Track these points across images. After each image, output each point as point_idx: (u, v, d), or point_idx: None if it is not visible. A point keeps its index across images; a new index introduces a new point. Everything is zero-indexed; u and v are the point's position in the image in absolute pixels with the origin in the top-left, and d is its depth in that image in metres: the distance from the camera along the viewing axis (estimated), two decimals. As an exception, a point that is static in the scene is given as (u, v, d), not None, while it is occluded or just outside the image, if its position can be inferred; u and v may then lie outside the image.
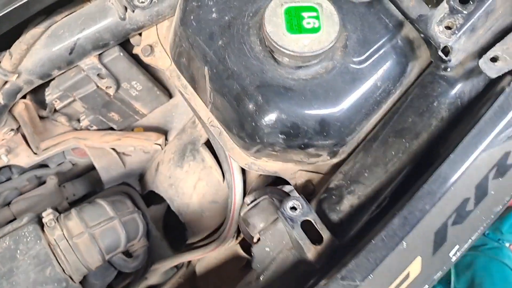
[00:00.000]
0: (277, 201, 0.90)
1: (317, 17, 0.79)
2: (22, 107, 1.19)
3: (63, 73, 1.13)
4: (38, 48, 1.05)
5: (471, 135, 0.70)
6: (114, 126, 1.32)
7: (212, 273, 1.26)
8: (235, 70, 0.82)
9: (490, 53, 0.78)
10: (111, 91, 1.18)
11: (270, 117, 0.81)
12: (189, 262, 1.32)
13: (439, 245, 0.69)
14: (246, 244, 1.20)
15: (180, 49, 0.93)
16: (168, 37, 1.03)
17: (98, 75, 1.13)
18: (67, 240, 1.04)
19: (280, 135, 0.82)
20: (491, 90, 0.80)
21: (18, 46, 1.03)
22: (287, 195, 0.95)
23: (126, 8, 1.01)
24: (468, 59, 0.82)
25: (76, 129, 1.32)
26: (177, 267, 1.32)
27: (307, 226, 0.79)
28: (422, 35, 0.82)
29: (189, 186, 1.23)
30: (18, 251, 1.03)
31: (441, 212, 0.69)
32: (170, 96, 1.31)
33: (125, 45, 1.16)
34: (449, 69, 0.83)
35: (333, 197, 0.84)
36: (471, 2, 0.78)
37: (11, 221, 1.12)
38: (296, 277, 0.81)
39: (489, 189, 0.69)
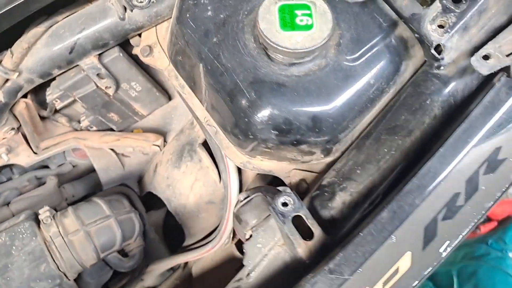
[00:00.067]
0: (270, 198, 0.90)
1: (310, 15, 0.80)
2: (22, 106, 1.20)
3: (63, 72, 1.14)
4: (39, 47, 1.07)
5: (461, 130, 0.70)
6: (114, 127, 1.34)
7: (208, 274, 1.25)
8: (229, 67, 0.83)
9: (482, 51, 0.78)
10: (110, 91, 1.19)
11: (263, 113, 0.81)
12: (186, 264, 1.31)
13: (429, 240, 0.68)
14: (242, 245, 1.19)
15: (176, 47, 0.94)
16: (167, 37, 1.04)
17: (97, 75, 1.14)
18: (62, 237, 1.05)
19: (272, 131, 0.82)
20: (484, 88, 0.80)
21: (20, 45, 1.05)
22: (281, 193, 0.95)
23: (125, 8, 1.03)
24: (461, 58, 0.82)
25: (76, 130, 1.34)
26: (173, 269, 1.31)
27: (298, 222, 0.79)
28: (415, 34, 0.83)
29: (186, 186, 1.24)
30: (14, 247, 1.03)
31: (431, 207, 0.68)
32: (169, 98, 1.32)
33: (125, 46, 1.18)
34: (442, 68, 0.83)
35: (325, 194, 0.83)
36: (464, 1, 0.78)
37: (10, 220, 1.14)
38: (287, 273, 0.80)
39: (480, 184, 0.69)
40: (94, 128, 1.34)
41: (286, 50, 0.78)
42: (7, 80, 1.09)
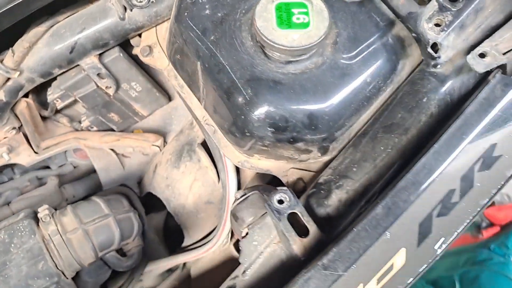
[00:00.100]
0: (266, 196, 0.90)
1: (306, 13, 0.81)
2: (24, 106, 1.21)
3: (64, 72, 1.16)
4: (40, 46, 1.08)
5: (456, 127, 0.70)
6: (114, 127, 1.34)
7: (206, 275, 1.25)
8: (226, 65, 0.84)
9: (479, 49, 0.79)
10: (110, 91, 1.20)
11: (259, 110, 0.81)
12: (185, 264, 1.31)
13: (424, 236, 0.68)
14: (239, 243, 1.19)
15: (175, 46, 0.95)
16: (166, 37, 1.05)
17: (98, 74, 1.15)
18: (61, 235, 1.05)
19: (269, 128, 0.82)
20: (481, 86, 0.80)
21: (21, 44, 1.07)
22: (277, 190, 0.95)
23: (125, 8, 1.04)
24: (458, 56, 0.82)
25: (77, 130, 1.35)
26: (172, 270, 1.31)
27: (294, 220, 0.79)
28: (412, 33, 0.83)
29: (185, 186, 1.24)
30: (12, 245, 1.03)
31: (425, 203, 0.68)
32: (169, 99, 1.33)
33: (126, 47, 1.19)
34: (438, 66, 0.83)
35: (322, 191, 0.83)
36: (460, 0, 0.78)
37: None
38: (282, 270, 0.80)
39: (475, 181, 0.69)
40: (95, 128, 1.34)
41: (282, 48, 0.78)
42: (8, 79, 1.10)
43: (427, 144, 0.81)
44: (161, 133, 1.36)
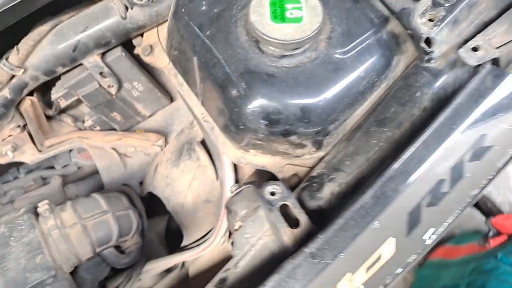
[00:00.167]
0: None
1: (300, 8, 0.82)
2: (28, 104, 1.24)
3: (67, 71, 1.18)
4: (44, 45, 1.11)
5: (446, 117, 0.70)
6: (116, 127, 1.36)
7: (203, 274, 1.25)
8: (220, 59, 0.85)
9: (471, 43, 0.79)
10: (113, 90, 1.22)
11: (253, 103, 0.82)
12: (183, 264, 1.31)
13: (413, 226, 0.67)
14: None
15: (172, 42, 0.96)
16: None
17: (100, 73, 1.18)
18: (59, 229, 1.06)
19: (262, 121, 0.83)
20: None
21: (25, 42, 1.10)
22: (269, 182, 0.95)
23: (127, 8, 1.06)
24: (452, 51, 0.83)
25: (80, 129, 1.37)
26: (170, 269, 1.31)
27: (286, 212, 0.79)
28: (405, 28, 0.84)
29: (184, 185, 1.25)
30: (12, 238, 1.05)
31: (415, 193, 0.68)
32: (171, 99, 1.34)
33: (129, 47, 1.21)
34: (432, 61, 0.83)
35: (314, 184, 0.84)
36: (453, -5, 0.79)
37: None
38: (274, 262, 0.80)
39: (465, 171, 0.68)
40: (98, 127, 1.37)
41: (276, 41, 0.80)
42: (13, 76, 1.13)
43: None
44: (163, 134, 1.37)
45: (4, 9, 0.94)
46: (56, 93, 1.25)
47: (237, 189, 0.90)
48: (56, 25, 1.11)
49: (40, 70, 1.13)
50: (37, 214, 1.10)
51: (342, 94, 0.83)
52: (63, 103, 1.28)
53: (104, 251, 1.14)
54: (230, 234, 1.17)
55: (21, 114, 1.26)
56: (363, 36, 0.86)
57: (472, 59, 0.76)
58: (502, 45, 0.79)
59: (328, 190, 0.82)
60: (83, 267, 1.13)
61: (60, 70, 1.15)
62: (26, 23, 1.07)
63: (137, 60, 1.24)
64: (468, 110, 0.70)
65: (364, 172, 0.81)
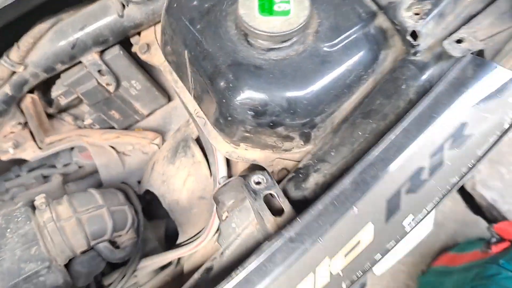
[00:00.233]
0: (247, 180, 0.91)
1: (288, 2, 0.84)
2: (29, 101, 1.27)
3: (67, 69, 1.21)
4: (44, 42, 1.14)
5: (426, 105, 0.71)
6: (115, 125, 1.39)
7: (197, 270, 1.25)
8: (210, 51, 0.87)
9: (456, 35, 0.80)
10: (111, 88, 1.25)
11: (240, 94, 0.84)
12: (179, 261, 1.32)
13: (392, 212, 0.68)
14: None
15: (165, 38, 0.99)
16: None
17: (99, 71, 1.21)
18: (55, 222, 1.08)
19: (249, 112, 0.84)
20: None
21: (26, 39, 1.13)
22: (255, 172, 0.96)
23: (123, 6, 1.09)
24: (438, 45, 0.83)
25: (80, 128, 1.39)
26: (165, 266, 1.32)
27: (271, 201, 0.80)
28: (392, 22, 0.85)
29: (179, 182, 1.26)
30: (8, 230, 1.07)
31: (394, 180, 0.68)
32: (169, 98, 1.37)
33: (128, 47, 1.24)
34: (418, 54, 0.84)
35: (300, 175, 0.84)
36: (439, -10, 0.80)
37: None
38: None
39: (445, 159, 0.69)
40: (97, 126, 1.39)
41: (263, 34, 0.81)
42: (13, 73, 1.16)
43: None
44: (161, 132, 1.39)
45: (3, 6, 0.97)
46: (56, 91, 1.28)
47: (225, 181, 0.91)
48: (56, 23, 1.14)
49: (40, 67, 1.16)
50: (34, 208, 1.12)
51: (328, 87, 0.84)
52: (63, 101, 1.30)
53: (99, 245, 1.15)
54: (222, 228, 1.18)
55: (22, 111, 1.29)
56: (351, 30, 0.87)
57: (456, 51, 0.77)
58: (487, 38, 0.80)
59: (313, 181, 0.83)
60: (78, 260, 1.15)
61: (60, 67, 1.18)
62: (26, 21, 1.11)
63: (135, 59, 1.26)
64: (448, 98, 0.71)
65: (349, 163, 0.82)
